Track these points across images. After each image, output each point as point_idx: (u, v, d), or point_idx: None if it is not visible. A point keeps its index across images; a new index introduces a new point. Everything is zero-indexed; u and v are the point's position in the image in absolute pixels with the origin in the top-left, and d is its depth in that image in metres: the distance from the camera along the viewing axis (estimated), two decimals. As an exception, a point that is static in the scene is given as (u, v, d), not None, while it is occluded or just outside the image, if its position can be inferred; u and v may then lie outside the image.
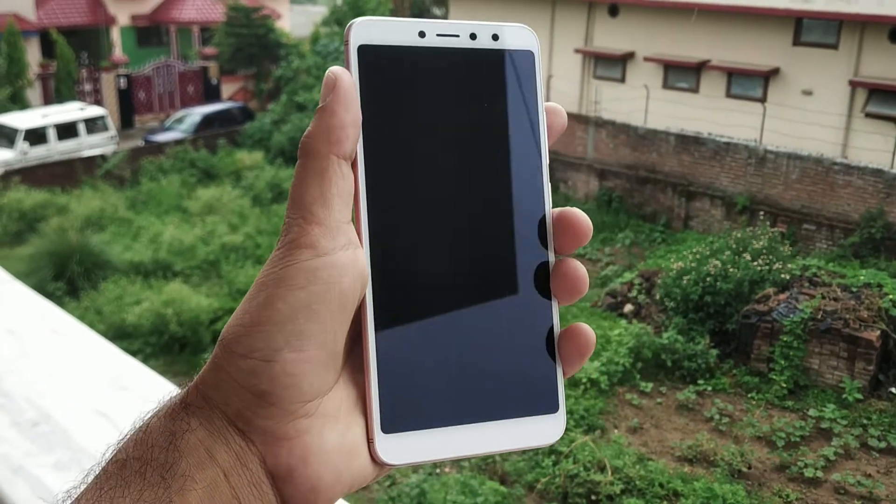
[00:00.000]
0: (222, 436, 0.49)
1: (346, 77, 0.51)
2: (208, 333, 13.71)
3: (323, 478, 0.49)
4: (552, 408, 0.53)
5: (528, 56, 0.58)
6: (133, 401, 1.69)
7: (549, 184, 0.56)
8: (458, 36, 0.56)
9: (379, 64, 0.53)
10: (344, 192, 0.51)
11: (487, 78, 0.56)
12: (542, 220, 0.55)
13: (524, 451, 0.50)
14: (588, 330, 0.54)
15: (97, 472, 0.52)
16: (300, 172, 0.51)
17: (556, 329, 0.54)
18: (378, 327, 0.52)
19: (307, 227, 0.50)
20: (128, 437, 0.52)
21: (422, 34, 0.54)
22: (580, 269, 0.56)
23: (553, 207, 0.56)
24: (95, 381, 1.75)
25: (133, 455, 0.50)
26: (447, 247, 0.52)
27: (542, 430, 0.53)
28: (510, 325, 0.53)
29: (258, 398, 0.49)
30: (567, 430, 11.09)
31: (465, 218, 0.53)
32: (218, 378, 0.50)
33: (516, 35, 0.58)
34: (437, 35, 0.55)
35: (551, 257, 0.55)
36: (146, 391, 1.72)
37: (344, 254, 0.50)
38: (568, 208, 0.57)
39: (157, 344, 13.17)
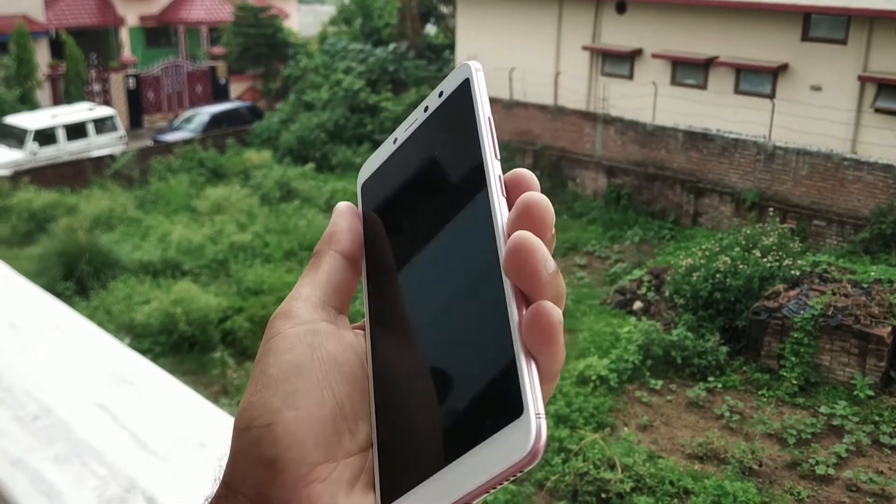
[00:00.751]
0: None
1: (345, 203, 0.59)
2: (217, 332, 13.74)
3: None
4: (515, 412, 0.42)
5: (465, 89, 0.54)
6: (134, 395, 1.68)
7: (502, 206, 0.49)
8: (416, 119, 0.58)
9: (372, 188, 0.60)
10: (335, 281, 0.56)
11: (439, 140, 0.56)
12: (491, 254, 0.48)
13: (510, 479, 0.43)
14: (549, 308, 0.45)
15: None
16: (306, 271, 0.57)
17: (513, 320, 0.45)
18: (377, 397, 0.52)
19: (291, 303, 0.54)
20: None
21: (395, 140, 0.60)
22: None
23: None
24: (97, 375, 1.74)
25: None
26: (428, 318, 0.52)
27: (508, 445, 0.42)
28: (468, 347, 0.48)
29: (268, 468, 0.48)
30: (576, 427, 11.08)
31: (438, 291, 0.52)
32: (234, 462, 0.51)
33: (455, 76, 0.55)
34: (405, 130, 0.59)
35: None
36: (148, 385, 1.71)
37: (326, 325, 0.53)
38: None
39: (167, 343, 13.19)
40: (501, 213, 0.48)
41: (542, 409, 0.42)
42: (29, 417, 1.61)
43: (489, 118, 0.52)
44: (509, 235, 0.47)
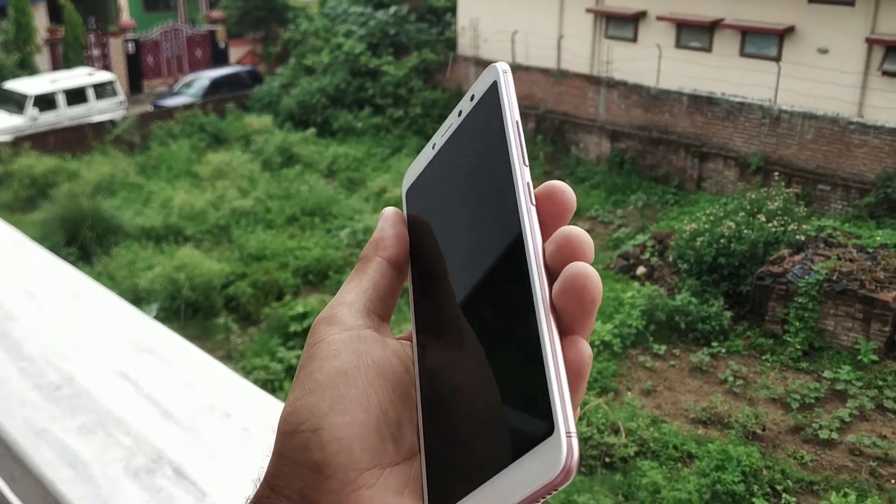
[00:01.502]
0: None
1: (391, 208, 0.59)
2: (220, 298, 13.75)
3: None
4: (547, 431, 0.41)
5: (494, 92, 0.54)
6: (155, 363, 1.65)
7: (531, 215, 0.48)
8: (451, 124, 0.59)
9: (415, 194, 0.61)
10: (381, 288, 0.56)
11: (472, 145, 0.56)
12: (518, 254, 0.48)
13: (546, 497, 0.42)
14: (585, 349, 0.46)
15: None
16: (350, 277, 0.57)
17: (545, 339, 0.44)
18: (424, 406, 0.52)
19: (336, 308, 0.54)
20: None
21: (433, 146, 0.60)
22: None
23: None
24: (117, 343, 1.71)
25: None
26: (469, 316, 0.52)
27: (541, 464, 0.41)
28: (503, 361, 0.47)
29: (315, 473, 0.48)
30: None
31: (474, 302, 0.51)
32: (278, 464, 0.50)
33: (484, 79, 0.55)
34: (442, 135, 0.59)
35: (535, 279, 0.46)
36: (168, 353, 1.68)
37: (371, 332, 0.53)
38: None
39: (170, 308, 13.21)
40: (530, 222, 0.48)
41: (573, 429, 0.41)
42: (51, 387, 1.58)
43: (517, 122, 0.51)
44: (550, 262, 0.47)
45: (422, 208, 0.59)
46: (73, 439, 1.44)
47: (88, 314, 1.83)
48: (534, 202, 0.49)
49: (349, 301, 0.54)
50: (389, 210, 0.59)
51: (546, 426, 0.42)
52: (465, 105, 0.57)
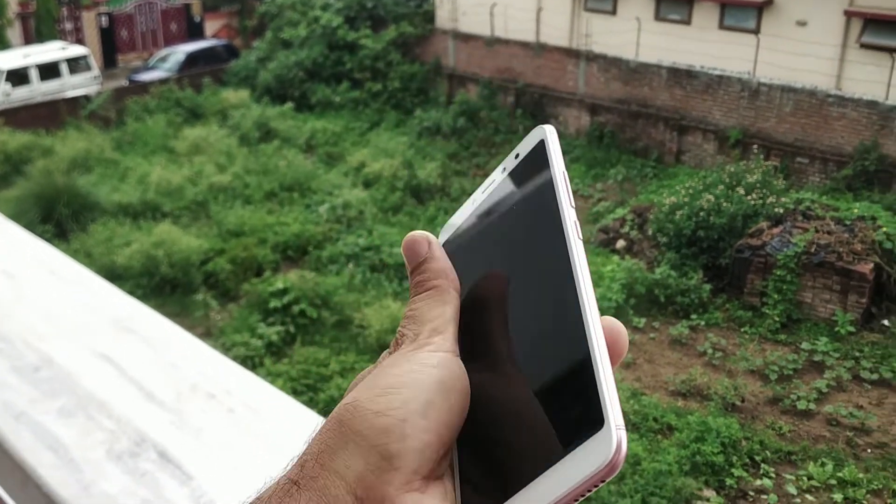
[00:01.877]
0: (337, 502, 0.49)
1: (432, 237, 0.61)
2: (199, 274, 13.66)
3: None
4: (596, 424, 0.44)
5: (541, 149, 0.58)
6: (137, 343, 1.61)
7: (578, 247, 0.52)
8: (494, 179, 0.62)
9: (454, 247, 0.63)
10: (456, 318, 0.58)
11: (518, 197, 0.59)
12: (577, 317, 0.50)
13: (593, 489, 0.44)
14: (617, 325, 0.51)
15: None
16: (429, 301, 0.58)
17: (592, 337, 0.47)
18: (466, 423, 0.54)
19: (436, 337, 0.55)
20: None
21: (474, 201, 0.63)
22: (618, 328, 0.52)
23: None
24: (97, 323, 1.67)
25: None
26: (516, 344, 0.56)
27: (590, 457, 0.44)
28: (551, 363, 0.51)
29: (385, 460, 0.49)
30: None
31: (524, 326, 0.55)
32: (342, 441, 0.50)
33: (531, 138, 0.59)
34: (483, 191, 0.63)
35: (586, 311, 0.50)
36: (150, 333, 1.64)
37: (459, 360, 0.55)
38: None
39: (149, 286, 13.10)
40: (580, 260, 0.51)
41: (622, 422, 0.43)
42: (29, 368, 1.54)
43: (564, 173, 0.56)
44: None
45: (461, 257, 0.62)
46: (53, 422, 1.40)
47: (67, 293, 1.79)
48: (580, 237, 0.52)
49: (447, 335, 0.56)
50: (433, 239, 0.62)
51: (597, 420, 0.44)
52: (510, 162, 0.60)
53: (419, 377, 0.52)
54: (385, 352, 0.58)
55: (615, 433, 0.43)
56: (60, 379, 1.50)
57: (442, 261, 0.60)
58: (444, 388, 0.52)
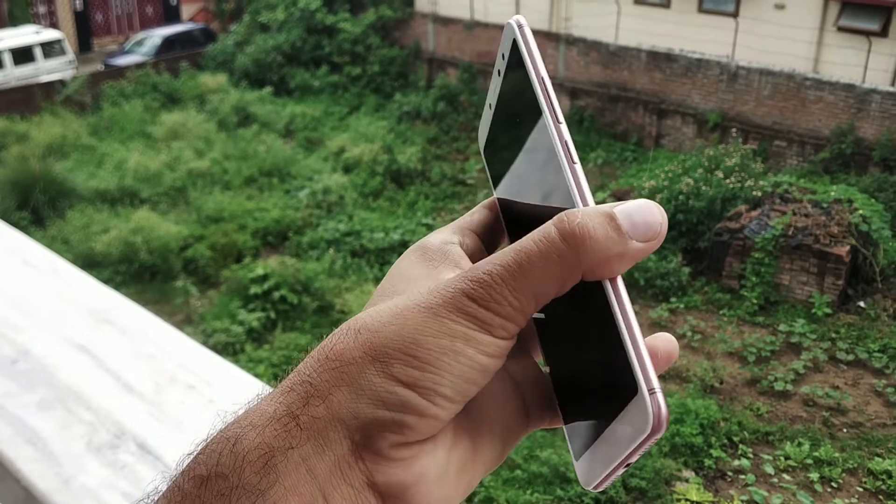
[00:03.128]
0: (331, 450, 0.45)
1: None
2: (179, 261, 13.59)
3: (433, 494, 0.48)
4: (630, 392, 0.44)
5: (516, 51, 0.54)
6: (115, 335, 1.60)
7: (575, 172, 0.50)
8: (496, 84, 0.59)
9: (490, 153, 0.62)
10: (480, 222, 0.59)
11: (515, 105, 0.56)
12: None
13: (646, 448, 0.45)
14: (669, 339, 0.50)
15: (169, 486, 0.46)
16: (548, 271, 0.48)
17: (616, 309, 0.46)
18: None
19: (514, 321, 0.49)
20: (210, 446, 0.46)
21: (490, 106, 0.60)
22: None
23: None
24: (74, 314, 1.66)
25: (217, 471, 0.44)
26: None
27: (633, 423, 0.44)
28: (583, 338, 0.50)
29: (397, 425, 0.45)
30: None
31: None
32: (360, 389, 0.45)
33: (506, 37, 0.55)
34: (492, 94, 0.59)
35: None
36: (128, 324, 1.63)
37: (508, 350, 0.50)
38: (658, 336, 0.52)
39: (127, 273, 13.03)
40: (576, 180, 0.49)
41: (655, 385, 0.43)
42: (6, 361, 1.53)
43: (543, 78, 0.52)
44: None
45: (499, 169, 0.59)
46: (31, 415, 1.39)
47: (41, 284, 1.77)
48: (575, 161, 0.49)
49: (529, 310, 0.49)
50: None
51: (630, 387, 0.44)
52: (500, 64, 0.57)
53: (466, 363, 0.46)
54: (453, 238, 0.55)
55: (649, 399, 0.43)
56: (38, 371, 1.50)
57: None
58: (485, 378, 0.48)
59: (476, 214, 0.58)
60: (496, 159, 0.60)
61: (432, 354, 0.46)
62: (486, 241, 0.57)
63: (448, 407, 0.46)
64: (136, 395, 1.43)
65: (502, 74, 0.57)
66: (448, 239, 0.55)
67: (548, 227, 0.47)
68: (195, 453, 0.46)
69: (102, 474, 1.27)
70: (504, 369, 0.51)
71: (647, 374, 0.43)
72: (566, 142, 0.50)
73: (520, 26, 0.54)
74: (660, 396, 0.43)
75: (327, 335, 0.49)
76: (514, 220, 0.57)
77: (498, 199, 0.59)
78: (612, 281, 0.47)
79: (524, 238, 0.47)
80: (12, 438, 1.34)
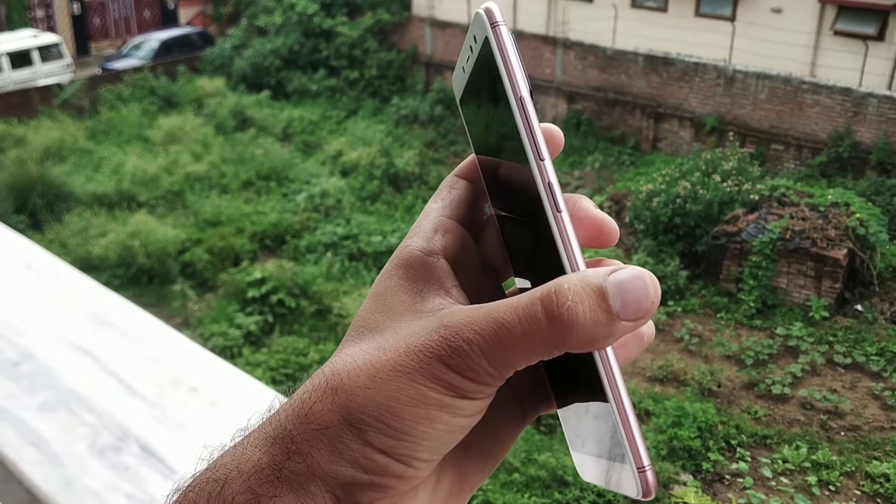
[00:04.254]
0: (314, 501, 0.46)
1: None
2: (176, 265, 13.58)
3: None
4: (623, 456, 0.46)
5: (488, 48, 0.48)
6: (116, 337, 1.61)
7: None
8: (468, 55, 0.53)
9: (466, 107, 0.57)
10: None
11: (485, 88, 0.51)
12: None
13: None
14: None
15: None
16: (533, 348, 0.47)
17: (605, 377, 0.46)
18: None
19: (498, 381, 0.48)
20: (199, 484, 0.47)
21: (462, 69, 0.55)
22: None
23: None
24: (76, 317, 1.66)
25: None
26: None
27: (623, 479, 0.46)
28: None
29: (377, 486, 0.46)
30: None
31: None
32: (339, 453, 0.46)
33: (477, 31, 0.50)
34: (466, 61, 0.54)
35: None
36: (129, 327, 1.64)
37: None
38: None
39: (125, 276, 13.02)
40: (559, 236, 0.47)
41: (646, 462, 0.44)
42: (8, 364, 1.53)
43: (520, 96, 0.47)
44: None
45: (477, 126, 0.55)
46: (34, 418, 1.40)
47: (43, 287, 1.78)
48: (561, 209, 0.47)
49: (511, 368, 0.48)
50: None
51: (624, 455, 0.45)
52: (468, 53, 0.52)
53: (440, 429, 0.46)
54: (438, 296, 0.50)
55: (637, 477, 0.44)
56: (40, 374, 1.50)
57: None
58: (464, 433, 0.48)
59: (455, 191, 0.56)
60: (473, 118, 0.55)
61: (407, 423, 0.45)
62: (468, 221, 0.55)
63: (426, 466, 0.47)
64: (139, 397, 1.43)
65: (468, 71, 0.53)
66: (431, 247, 0.52)
67: (534, 306, 0.45)
68: (184, 489, 0.47)
69: (106, 476, 1.27)
70: None
71: (636, 453, 0.44)
72: (551, 185, 0.47)
73: (493, 24, 0.48)
74: (649, 475, 0.44)
75: (301, 382, 0.49)
76: (494, 181, 0.54)
77: (477, 157, 0.56)
78: (601, 353, 0.46)
79: (507, 306, 0.45)
80: (15, 441, 1.35)
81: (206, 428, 1.37)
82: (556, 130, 0.52)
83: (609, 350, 0.45)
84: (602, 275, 0.45)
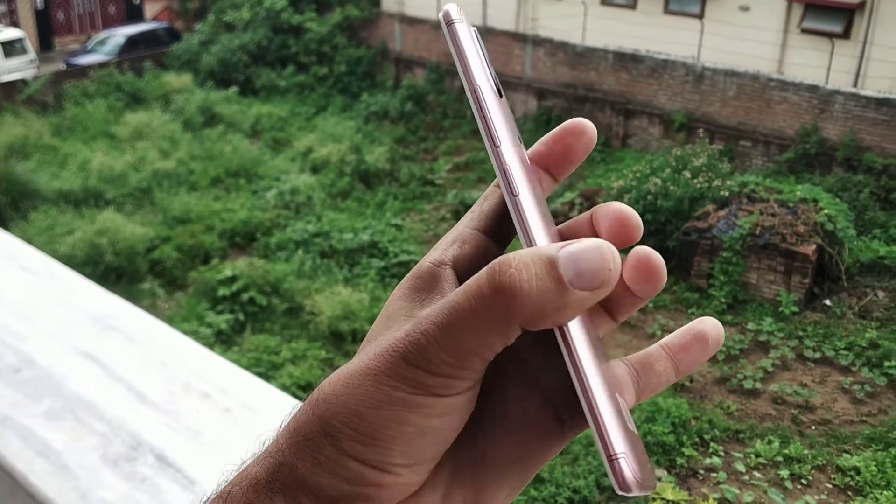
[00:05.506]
0: None
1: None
2: (145, 263, 13.41)
3: None
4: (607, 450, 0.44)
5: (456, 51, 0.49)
6: (122, 342, 1.56)
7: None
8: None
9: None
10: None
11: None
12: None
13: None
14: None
15: None
16: (487, 327, 0.46)
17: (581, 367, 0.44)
18: None
19: (463, 371, 0.46)
20: (210, 501, 0.48)
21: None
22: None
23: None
24: (78, 320, 1.61)
25: None
26: None
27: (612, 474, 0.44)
28: None
29: (361, 497, 0.45)
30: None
31: None
32: (320, 465, 0.45)
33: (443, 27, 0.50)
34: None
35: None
36: (134, 331, 1.59)
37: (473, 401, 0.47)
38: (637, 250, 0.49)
39: (93, 275, 12.79)
40: (515, 215, 0.47)
41: (617, 450, 0.42)
42: (9, 370, 1.47)
43: (476, 91, 0.48)
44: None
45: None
46: (40, 426, 1.34)
47: (41, 290, 1.72)
48: (516, 193, 0.47)
49: (483, 355, 0.46)
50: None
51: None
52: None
53: (411, 432, 0.44)
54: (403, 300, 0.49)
55: (607, 465, 0.43)
56: (43, 380, 1.45)
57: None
58: (445, 435, 0.46)
59: (487, 202, 0.54)
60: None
61: (374, 428, 0.44)
62: (496, 230, 0.53)
63: (407, 473, 0.45)
64: (150, 404, 1.39)
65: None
66: (442, 258, 0.50)
67: (480, 277, 0.43)
68: None
69: (121, 487, 1.22)
70: (527, 378, 0.50)
71: (605, 441, 0.43)
72: (506, 170, 0.47)
73: (448, 23, 0.49)
74: (622, 462, 0.42)
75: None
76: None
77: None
78: (562, 330, 0.44)
79: (460, 288, 0.44)
80: (23, 451, 1.30)
81: (223, 435, 1.33)
82: (582, 124, 0.51)
83: (574, 327, 0.44)
84: (555, 247, 0.44)
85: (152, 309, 12.48)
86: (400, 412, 0.44)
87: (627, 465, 0.42)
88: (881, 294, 12.31)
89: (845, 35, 15.77)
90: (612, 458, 0.42)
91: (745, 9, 16.91)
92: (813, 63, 15.95)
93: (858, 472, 9.21)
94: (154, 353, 1.51)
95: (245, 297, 12.21)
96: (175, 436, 1.32)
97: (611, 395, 0.44)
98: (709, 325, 0.51)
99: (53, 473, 1.25)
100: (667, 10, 18.08)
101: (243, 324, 11.98)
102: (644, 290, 0.50)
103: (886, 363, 10.90)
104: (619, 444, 0.42)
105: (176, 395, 1.40)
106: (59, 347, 1.53)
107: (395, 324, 0.48)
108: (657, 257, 0.48)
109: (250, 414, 1.36)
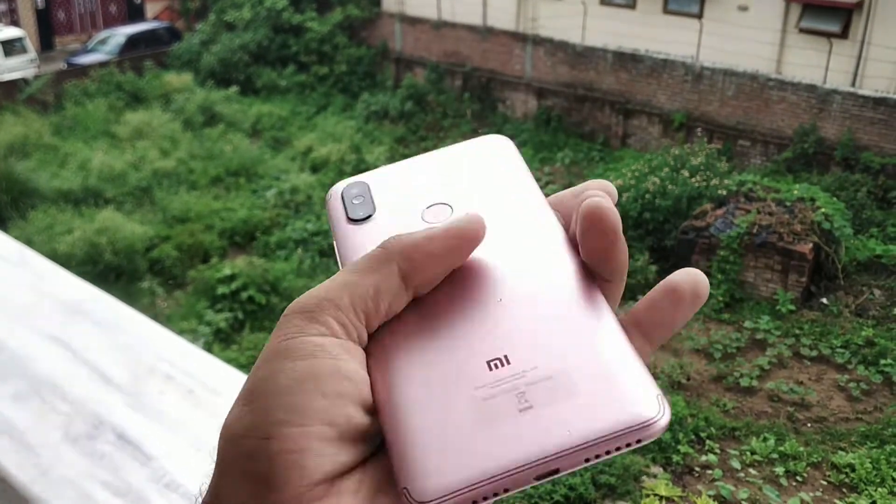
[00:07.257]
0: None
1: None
2: (144, 262, 13.45)
3: None
4: None
5: None
6: (90, 326, 1.59)
7: None
8: None
9: None
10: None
11: None
12: None
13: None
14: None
15: None
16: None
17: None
18: None
19: (320, 302, 0.46)
20: None
21: None
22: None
23: None
24: (48, 306, 1.64)
25: None
26: None
27: None
28: None
29: (260, 486, 0.42)
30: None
31: None
32: (221, 475, 0.44)
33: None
34: None
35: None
36: (103, 316, 1.62)
37: (354, 346, 0.46)
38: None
39: (92, 273, 12.83)
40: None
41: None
42: (-22, 353, 1.50)
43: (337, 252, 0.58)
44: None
45: None
46: (6, 407, 1.38)
47: (12, 276, 1.75)
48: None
49: (341, 302, 0.46)
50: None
51: None
52: None
53: (281, 380, 0.43)
54: None
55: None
56: (12, 362, 1.48)
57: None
58: (320, 381, 0.43)
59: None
60: None
61: (251, 385, 0.46)
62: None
63: (288, 434, 0.42)
64: (114, 385, 1.42)
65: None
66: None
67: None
68: None
69: (81, 464, 1.25)
70: None
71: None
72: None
73: (325, 202, 0.61)
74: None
75: None
76: None
77: None
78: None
79: None
80: (-13, 430, 1.33)
81: (184, 415, 1.36)
82: (605, 187, 0.53)
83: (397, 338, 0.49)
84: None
85: (151, 308, 12.52)
86: (272, 365, 0.47)
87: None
88: (877, 292, 12.33)
89: (843, 35, 15.78)
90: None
91: (743, 8, 16.92)
92: (811, 63, 15.96)
93: (853, 470, 9.23)
94: (120, 337, 1.54)
95: (244, 295, 12.25)
96: (136, 415, 1.35)
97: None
98: (681, 276, 0.47)
99: (16, 451, 1.28)
100: (666, 10, 18.09)
101: (242, 322, 12.02)
102: (596, 248, 0.49)
103: (882, 361, 10.92)
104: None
105: (140, 377, 1.43)
106: (28, 332, 1.56)
107: None
108: (608, 206, 0.48)
109: (212, 395, 1.39)
